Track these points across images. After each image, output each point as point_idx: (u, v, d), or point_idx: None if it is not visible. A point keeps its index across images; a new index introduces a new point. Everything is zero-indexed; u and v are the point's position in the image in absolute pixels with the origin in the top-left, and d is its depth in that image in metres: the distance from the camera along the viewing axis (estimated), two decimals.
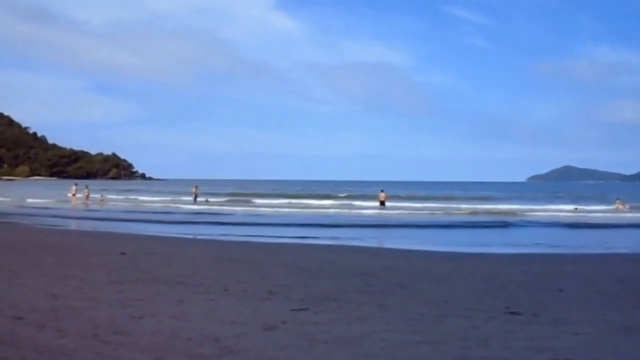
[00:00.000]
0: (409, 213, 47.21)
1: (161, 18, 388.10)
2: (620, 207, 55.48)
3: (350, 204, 61.99)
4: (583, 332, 7.67)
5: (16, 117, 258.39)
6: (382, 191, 58.40)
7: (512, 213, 46.39)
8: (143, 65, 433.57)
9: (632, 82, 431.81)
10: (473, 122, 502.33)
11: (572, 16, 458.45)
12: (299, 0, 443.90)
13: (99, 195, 63.81)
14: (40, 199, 61.74)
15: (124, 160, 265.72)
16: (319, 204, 59.40)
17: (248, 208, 53.12)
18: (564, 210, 53.12)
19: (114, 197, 71.38)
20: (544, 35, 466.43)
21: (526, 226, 33.82)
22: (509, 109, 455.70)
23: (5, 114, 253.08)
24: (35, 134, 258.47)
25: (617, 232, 31.64)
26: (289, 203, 61.89)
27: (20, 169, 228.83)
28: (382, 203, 56.36)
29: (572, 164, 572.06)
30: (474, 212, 47.63)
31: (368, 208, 54.48)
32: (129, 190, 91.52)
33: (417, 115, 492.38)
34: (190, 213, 44.80)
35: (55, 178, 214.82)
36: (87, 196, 60.50)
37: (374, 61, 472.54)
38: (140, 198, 71.15)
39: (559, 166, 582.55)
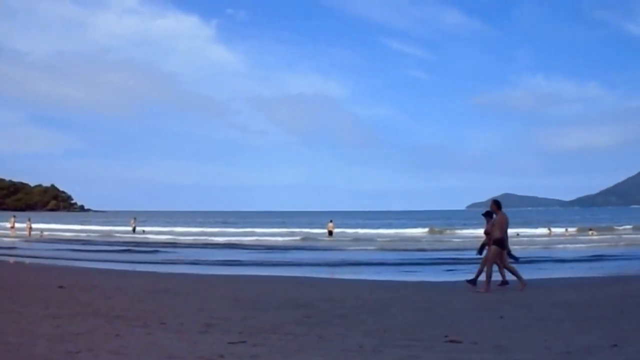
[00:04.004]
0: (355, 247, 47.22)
1: (103, 50, 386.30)
2: (550, 232, 57.79)
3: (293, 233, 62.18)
4: (523, 359, 7.59)
5: None
6: (330, 221, 59.41)
7: (454, 240, 46.85)
8: (84, 97, 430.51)
9: (568, 111, 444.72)
10: (413, 153, 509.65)
11: (508, 47, 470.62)
12: (238, 33, 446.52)
13: (40, 227, 63.03)
14: None
15: (63, 192, 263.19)
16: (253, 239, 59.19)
17: (186, 240, 52.74)
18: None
19: (54, 227, 70.45)
20: (481, 66, 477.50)
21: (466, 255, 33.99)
22: (449, 139, 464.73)
23: None
24: None
25: (557, 257, 32.03)
26: (229, 235, 61.69)
27: None
28: (330, 233, 57.16)
29: (511, 192, 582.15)
30: (417, 240, 47.96)
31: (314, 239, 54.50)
32: (68, 222, 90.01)
33: (357, 146, 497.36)
34: (128, 245, 44.19)
35: None
36: (30, 229, 59.66)
37: (312, 93, 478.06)
38: (79, 230, 70.32)
39: (498, 194, 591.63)
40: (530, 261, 28.08)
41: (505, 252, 16.56)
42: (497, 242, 16.11)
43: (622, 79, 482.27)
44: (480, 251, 17.73)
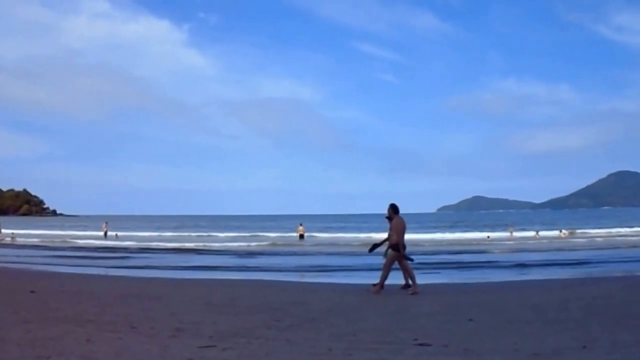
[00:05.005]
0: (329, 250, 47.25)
1: (76, 55, 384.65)
2: (512, 233, 58.31)
3: (266, 237, 62.20)
4: None
5: None
6: (301, 225, 59.46)
7: (422, 244, 46.95)
8: (57, 101, 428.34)
9: (540, 114, 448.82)
10: (384, 156, 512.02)
11: (480, 50, 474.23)
12: (210, 37, 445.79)
13: (9, 232, 62.67)
14: None
15: (35, 197, 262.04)
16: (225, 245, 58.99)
17: (158, 245, 52.45)
18: (477, 238, 54.35)
19: (25, 232, 69.94)
20: (453, 69, 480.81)
21: (435, 257, 34.11)
22: (420, 142, 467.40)
23: None
24: None
25: (526, 259, 32.20)
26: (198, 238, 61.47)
27: None
28: (301, 236, 57.16)
29: (482, 194, 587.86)
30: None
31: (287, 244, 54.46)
32: (40, 227, 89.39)
33: (329, 149, 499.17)
34: (100, 249, 43.95)
35: None
36: None
37: (284, 97, 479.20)
38: (51, 235, 69.87)
39: (469, 196, 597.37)
40: (500, 266, 28.29)
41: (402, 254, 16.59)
42: (393, 247, 16.35)
43: (593, 81, 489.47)
44: (371, 250, 18.10)
